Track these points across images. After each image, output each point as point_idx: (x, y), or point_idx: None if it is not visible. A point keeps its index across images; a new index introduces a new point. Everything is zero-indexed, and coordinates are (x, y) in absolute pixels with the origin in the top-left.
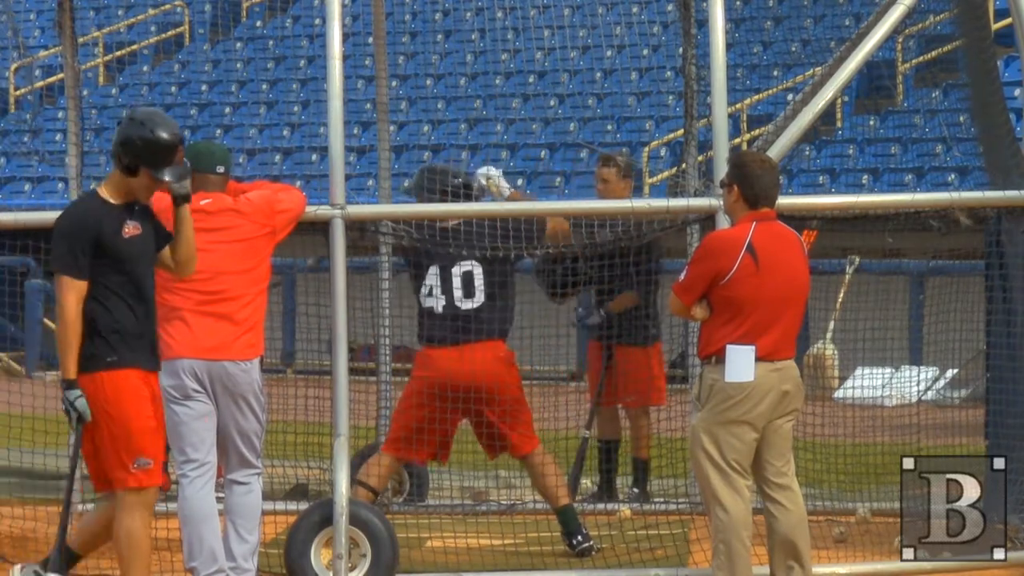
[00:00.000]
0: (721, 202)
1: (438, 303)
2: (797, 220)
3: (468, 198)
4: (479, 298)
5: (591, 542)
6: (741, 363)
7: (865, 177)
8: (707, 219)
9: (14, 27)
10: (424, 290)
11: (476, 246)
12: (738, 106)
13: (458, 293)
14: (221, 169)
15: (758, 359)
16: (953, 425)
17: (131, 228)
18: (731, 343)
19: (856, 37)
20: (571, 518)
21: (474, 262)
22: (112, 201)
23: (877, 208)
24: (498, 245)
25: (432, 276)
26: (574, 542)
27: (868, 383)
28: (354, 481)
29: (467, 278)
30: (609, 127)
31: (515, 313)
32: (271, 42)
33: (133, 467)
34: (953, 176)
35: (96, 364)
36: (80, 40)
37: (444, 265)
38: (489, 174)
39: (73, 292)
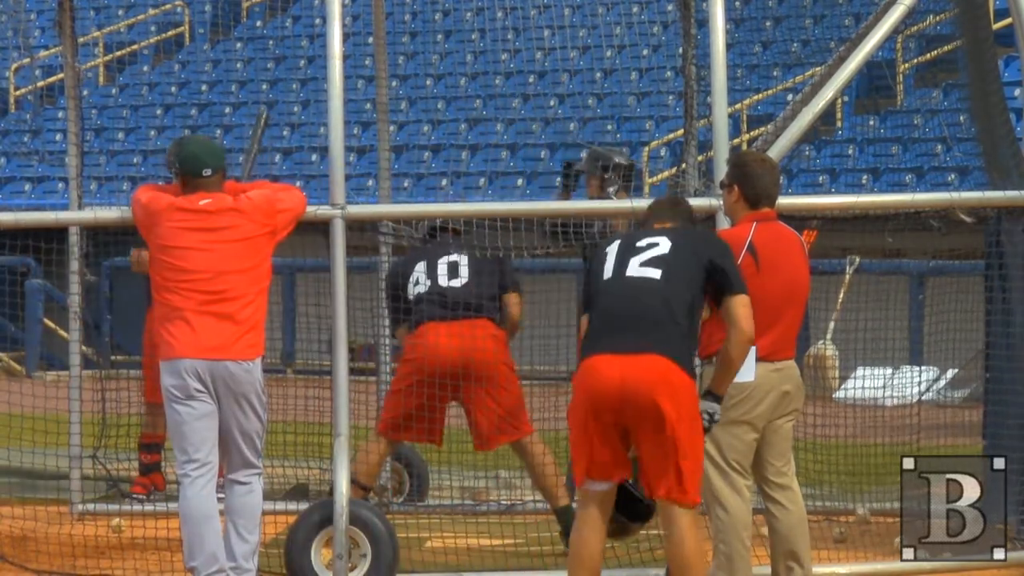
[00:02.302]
0: (721, 202)
1: (423, 287)
2: (797, 220)
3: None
4: (464, 279)
5: None
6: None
7: (865, 177)
8: (707, 219)
9: (20, 27)
10: (412, 280)
11: (473, 245)
12: (738, 106)
13: (443, 278)
14: (207, 172)
15: (758, 359)
16: (953, 425)
17: None
18: None
19: (856, 37)
20: (570, 519)
21: (460, 254)
22: None
23: (877, 208)
24: (485, 245)
25: (420, 268)
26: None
27: (868, 383)
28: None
29: (452, 266)
30: (609, 127)
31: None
32: (271, 42)
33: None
34: (953, 176)
35: None
36: (80, 40)
37: (430, 259)
38: None
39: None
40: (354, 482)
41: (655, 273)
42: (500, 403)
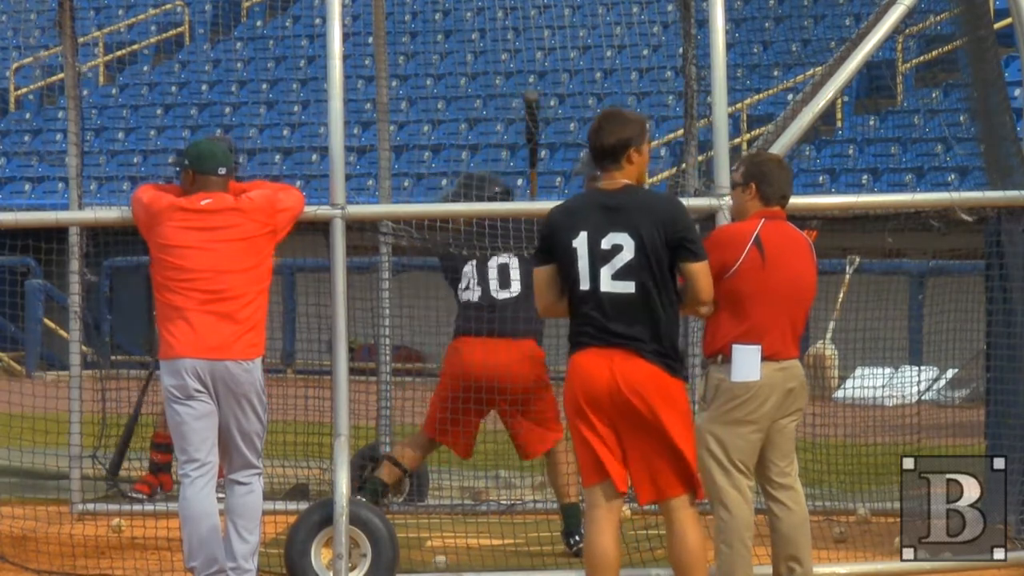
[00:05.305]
0: (721, 202)
1: (474, 294)
2: (797, 220)
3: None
4: (515, 288)
5: None
6: (748, 362)
7: (865, 177)
8: (707, 219)
9: (26, 26)
10: (463, 284)
11: (498, 245)
12: (738, 106)
13: (494, 284)
14: (223, 171)
15: (763, 358)
16: (953, 425)
17: None
18: (735, 340)
19: (856, 37)
20: (573, 516)
21: (510, 255)
22: None
23: (877, 208)
24: (510, 243)
25: (469, 270)
26: (571, 541)
27: (868, 383)
28: (385, 457)
29: (503, 270)
30: None
31: None
32: (271, 42)
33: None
34: (953, 176)
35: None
36: (80, 40)
37: (480, 259)
38: None
39: None
40: (394, 461)
41: (628, 287)
42: (535, 420)
